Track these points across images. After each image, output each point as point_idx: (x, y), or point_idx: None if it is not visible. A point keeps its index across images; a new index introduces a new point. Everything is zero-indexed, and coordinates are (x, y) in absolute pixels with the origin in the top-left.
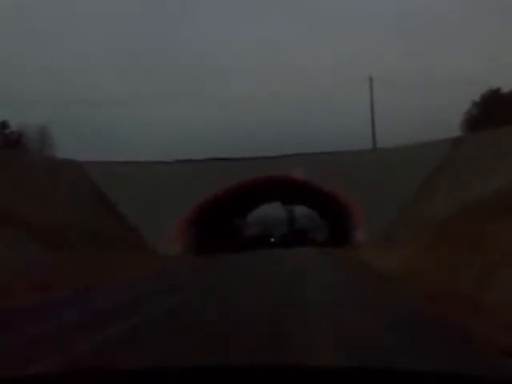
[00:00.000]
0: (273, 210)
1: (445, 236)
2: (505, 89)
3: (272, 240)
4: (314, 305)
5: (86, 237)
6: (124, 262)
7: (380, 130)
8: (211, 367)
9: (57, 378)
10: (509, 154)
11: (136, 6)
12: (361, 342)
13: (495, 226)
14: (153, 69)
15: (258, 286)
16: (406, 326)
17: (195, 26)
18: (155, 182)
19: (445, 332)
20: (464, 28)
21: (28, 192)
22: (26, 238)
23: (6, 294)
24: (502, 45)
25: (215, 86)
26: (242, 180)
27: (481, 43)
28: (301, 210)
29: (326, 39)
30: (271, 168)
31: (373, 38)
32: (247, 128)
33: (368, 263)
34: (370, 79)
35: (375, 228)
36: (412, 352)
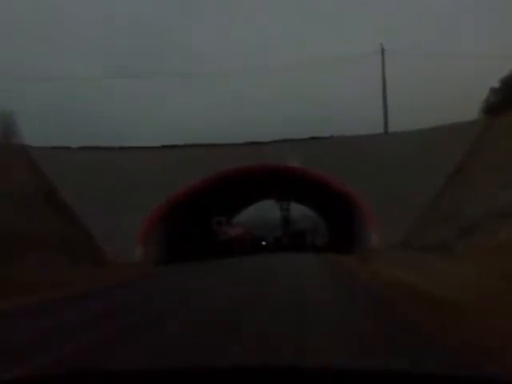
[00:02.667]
0: (265, 209)
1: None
2: None
3: (263, 243)
4: None
5: (14, 241)
6: (38, 279)
7: (392, 113)
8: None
9: (50, 379)
10: None
11: None
12: None
13: None
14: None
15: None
16: None
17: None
18: (118, 171)
19: None
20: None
21: None
22: None
23: None
24: None
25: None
26: (225, 169)
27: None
28: (298, 210)
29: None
30: (262, 156)
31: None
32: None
33: (413, 287)
34: (382, 51)
35: (392, 229)
36: None
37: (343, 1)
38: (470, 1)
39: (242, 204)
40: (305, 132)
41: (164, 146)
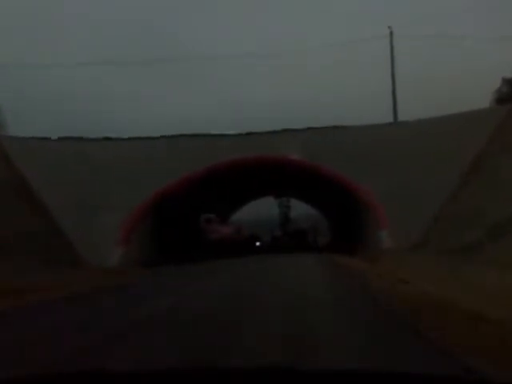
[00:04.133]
0: (264, 207)
1: None
2: None
3: (258, 244)
4: None
5: None
6: None
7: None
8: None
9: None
10: None
11: None
12: None
13: None
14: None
15: None
16: None
17: None
18: (100, 165)
19: None
20: None
21: None
22: None
23: None
24: None
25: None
26: (219, 162)
27: None
28: (298, 208)
29: None
30: (259, 147)
31: None
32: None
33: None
34: (390, 33)
35: (404, 229)
36: None
37: None
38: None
39: (238, 201)
40: (306, 122)
41: (150, 138)
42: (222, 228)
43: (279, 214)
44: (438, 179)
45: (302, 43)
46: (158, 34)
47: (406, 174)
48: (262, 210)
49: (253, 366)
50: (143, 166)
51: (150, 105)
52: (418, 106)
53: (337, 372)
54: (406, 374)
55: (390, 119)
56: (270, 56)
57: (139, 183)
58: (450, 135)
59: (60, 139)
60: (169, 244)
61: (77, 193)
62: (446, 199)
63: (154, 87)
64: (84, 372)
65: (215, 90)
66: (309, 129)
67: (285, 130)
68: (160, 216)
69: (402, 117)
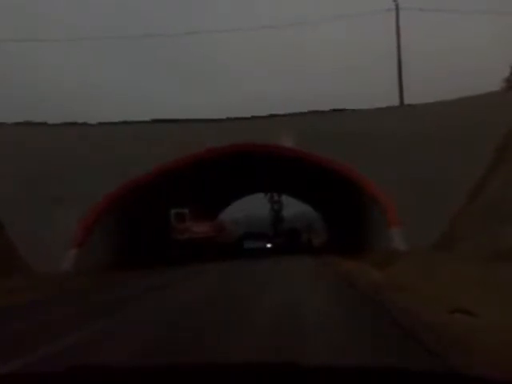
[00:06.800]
0: (254, 206)
1: None
2: None
3: (256, 245)
4: None
5: None
6: None
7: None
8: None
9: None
10: None
11: None
12: None
13: None
14: None
15: None
16: None
17: None
18: (54, 152)
19: None
20: None
21: None
22: None
23: None
24: None
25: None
26: (200, 151)
27: None
28: (291, 206)
29: None
30: (246, 134)
31: None
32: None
33: None
34: (397, 6)
35: (416, 227)
36: None
37: None
38: None
39: (223, 198)
40: (301, 106)
41: (116, 123)
42: (196, 226)
43: (270, 211)
44: (456, 169)
45: (297, 17)
46: (132, 8)
47: (418, 164)
48: (252, 208)
49: (253, 362)
50: (107, 156)
51: (121, 88)
52: (425, 88)
53: (335, 369)
54: (406, 370)
55: (396, 102)
56: (262, 29)
57: (101, 175)
58: (468, 119)
59: (10, 124)
60: (134, 245)
61: (26, 185)
62: (469, 191)
63: (126, 67)
64: (83, 368)
65: (198, 72)
66: (304, 113)
67: (276, 115)
68: (125, 213)
69: (408, 100)
